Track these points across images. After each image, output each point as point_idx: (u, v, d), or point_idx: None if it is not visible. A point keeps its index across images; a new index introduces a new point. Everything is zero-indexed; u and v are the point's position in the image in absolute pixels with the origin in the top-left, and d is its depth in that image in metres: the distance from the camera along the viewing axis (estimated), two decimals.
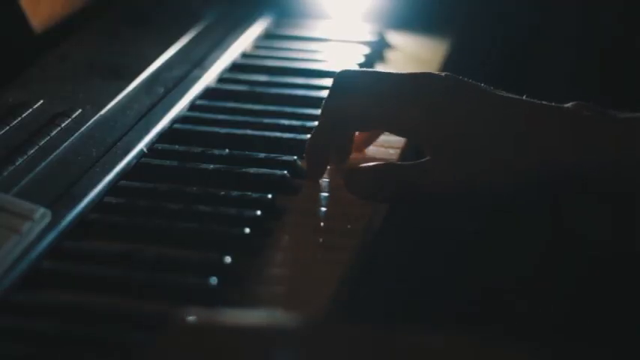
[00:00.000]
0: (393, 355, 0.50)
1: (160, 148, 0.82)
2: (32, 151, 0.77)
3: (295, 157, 0.81)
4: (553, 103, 0.75)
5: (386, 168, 0.77)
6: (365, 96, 0.77)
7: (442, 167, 0.74)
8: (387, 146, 0.85)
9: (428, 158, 0.75)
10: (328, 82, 0.90)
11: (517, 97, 0.75)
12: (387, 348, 0.51)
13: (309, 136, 0.83)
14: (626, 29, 1.14)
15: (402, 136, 0.82)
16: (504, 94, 0.76)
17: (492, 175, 0.74)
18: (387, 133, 0.83)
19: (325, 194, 0.78)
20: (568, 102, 0.75)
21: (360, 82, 0.78)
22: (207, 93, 0.93)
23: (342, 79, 0.78)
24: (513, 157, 0.73)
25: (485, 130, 0.74)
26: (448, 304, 0.82)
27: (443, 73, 0.77)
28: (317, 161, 0.79)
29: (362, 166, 0.77)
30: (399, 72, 0.78)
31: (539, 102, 0.75)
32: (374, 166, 0.77)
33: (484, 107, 0.75)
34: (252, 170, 0.79)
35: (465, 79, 0.76)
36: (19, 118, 0.81)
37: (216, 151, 0.81)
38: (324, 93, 0.85)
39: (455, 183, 0.74)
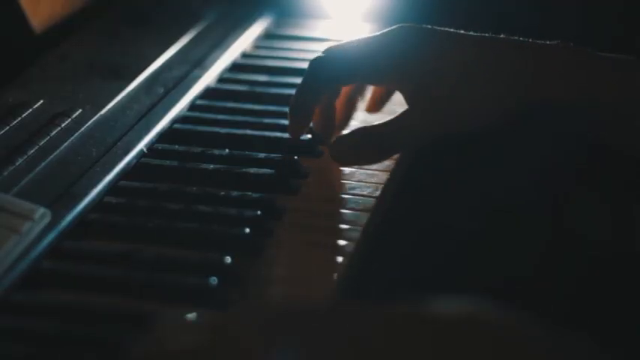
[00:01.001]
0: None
1: (159, 148, 0.83)
2: (32, 151, 0.77)
3: (295, 157, 0.81)
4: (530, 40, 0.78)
5: (362, 132, 0.80)
6: (348, 52, 0.80)
7: (423, 115, 0.77)
8: None
9: (406, 110, 0.78)
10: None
11: (503, 37, 0.78)
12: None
13: (309, 136, 0.83)
14: (626, 29, 1.14)
15: (383, 86, 0.86)
16: (488, 35, 0.79)
17: (477, 116, 0.77)
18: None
19: (325, 194, 0.78)
20: None
21: (344, 45, 0.81)
22: (208, 93, 0.93)
23: (330, 48, 0.82)
24: (500, 94, 0.76)
25: (470, 70, 0.77)
26: (448, 304, 0.82)
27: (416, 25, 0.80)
28: (300, 118, 0.81)
29: (341, 135, 0.81)
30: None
31: (521, 39, 0.78)
32: (351, 132, 0.80)
33: (470, 49, 0.77)
34: (252, 170, 0.79)
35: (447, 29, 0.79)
36: (19, 118, 0.81)
37: (216, 151, 0.82)
38: None
39: (438, 127, 0.78)
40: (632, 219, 0.84)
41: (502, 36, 0.79)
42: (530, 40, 0.78)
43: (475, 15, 1.12)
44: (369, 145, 0.79)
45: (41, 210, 0.69)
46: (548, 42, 0.78)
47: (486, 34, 0.79)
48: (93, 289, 0.66)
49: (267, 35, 1.07)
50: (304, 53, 1.02)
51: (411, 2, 1.10)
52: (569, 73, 0.76)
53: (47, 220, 0.69)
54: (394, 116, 0.79)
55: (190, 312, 0.62)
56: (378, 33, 0.80)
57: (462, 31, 0.79)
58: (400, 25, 0.79)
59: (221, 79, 0.96)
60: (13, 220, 0.67)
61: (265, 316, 0.52)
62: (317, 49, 1.03)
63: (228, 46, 1.00)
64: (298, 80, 0.95)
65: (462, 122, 0.77)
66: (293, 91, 0.92)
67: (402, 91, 0.81)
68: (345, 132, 0.81)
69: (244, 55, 1.01)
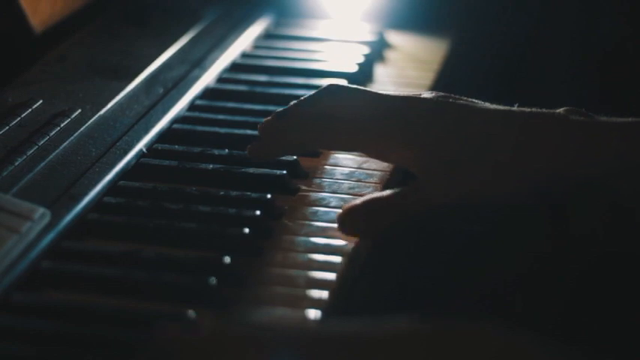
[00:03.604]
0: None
1: (159, 148, 0.82)
2: (32, 151, 0.77)
3: (295, 157, 0.81)
4: (544, 109, 0.75)
5: (376, 202, 0.74)
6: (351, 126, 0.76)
7: (435, 188, 0.73)
8: None
9: (418, 181, 0.74)
10: (328, 82, 0.90)
11: (507, 108, 0.75)
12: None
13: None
14: (627, 31, 1.14)
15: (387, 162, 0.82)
16: (493, 106, 0.75)
17: (489, 189, 0.74)
18: None
19: (325, 194, 0.78)
20: (567, 104, 0.75)
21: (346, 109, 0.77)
22: (207, 93, 0.93)
23: (330, 93, 0.78)
24: (508, 169, 0.73)
25: (478, 145, 0.73)
26: (448, 304, 0.82)
27: (427, 95, 0.76)
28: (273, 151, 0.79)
29: (351, 206, 0.74)
30: (381, 100, 0.77)
31: (529, 110, 0.75)
32: (363, 203, 0.74)
33: (474, 123, 0.74)
34: (252, 170, 0.79)
35: (449, 97, 0.76)
36: (19, 118, 0.81)
37: (216, 151, 0.81)
38: None
39: (449, 200, 0.74)
40: (632, 219, 0.84)
41: (514, 108, 0.76)
42: (541, 110, 0.75)
43: (475, 15, 1.12)
44: (383, 216, 0.74)
45: (41, 210, 0.68)
46: (556, 111, 0.75)
47: (498, 106, 0.76)
48: (93, 289, 0.65)
49: (267, 35, 1.07)
50: (304, 53, 1.02)
51: (411, 2, 1.11)
52: (573, 147, 0.73)
53: (47, 220, 0.69)
54: (409, 186, 0.74)
55: (190, 312, 0.62)
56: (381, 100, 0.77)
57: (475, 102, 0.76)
58: (408, 97, 0.76)
59: (221, 79, 0.96)
60: (13, 220, 0.67)
61: (261, 337, 0.52)
62: (317, 49, 1.03)
63: (227, 46, 1.00)
64: (298, 80, 0.96)
65: (479, 192, 0.75)
66: (293, 91, 0.93)
67: (409, 160, 0.76)
68: (352, 204, 0.74)
69: (244, 55, 1.01)
